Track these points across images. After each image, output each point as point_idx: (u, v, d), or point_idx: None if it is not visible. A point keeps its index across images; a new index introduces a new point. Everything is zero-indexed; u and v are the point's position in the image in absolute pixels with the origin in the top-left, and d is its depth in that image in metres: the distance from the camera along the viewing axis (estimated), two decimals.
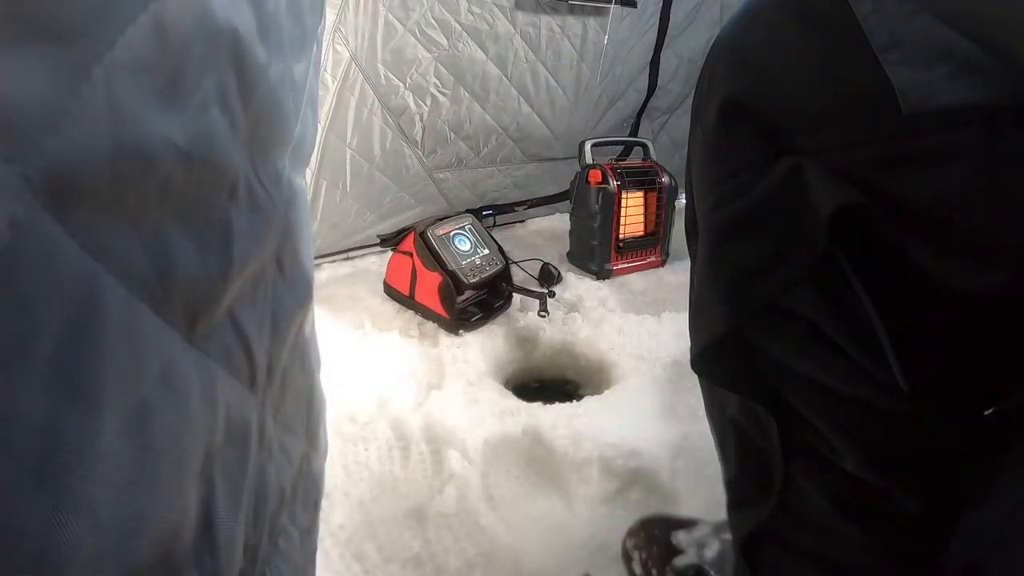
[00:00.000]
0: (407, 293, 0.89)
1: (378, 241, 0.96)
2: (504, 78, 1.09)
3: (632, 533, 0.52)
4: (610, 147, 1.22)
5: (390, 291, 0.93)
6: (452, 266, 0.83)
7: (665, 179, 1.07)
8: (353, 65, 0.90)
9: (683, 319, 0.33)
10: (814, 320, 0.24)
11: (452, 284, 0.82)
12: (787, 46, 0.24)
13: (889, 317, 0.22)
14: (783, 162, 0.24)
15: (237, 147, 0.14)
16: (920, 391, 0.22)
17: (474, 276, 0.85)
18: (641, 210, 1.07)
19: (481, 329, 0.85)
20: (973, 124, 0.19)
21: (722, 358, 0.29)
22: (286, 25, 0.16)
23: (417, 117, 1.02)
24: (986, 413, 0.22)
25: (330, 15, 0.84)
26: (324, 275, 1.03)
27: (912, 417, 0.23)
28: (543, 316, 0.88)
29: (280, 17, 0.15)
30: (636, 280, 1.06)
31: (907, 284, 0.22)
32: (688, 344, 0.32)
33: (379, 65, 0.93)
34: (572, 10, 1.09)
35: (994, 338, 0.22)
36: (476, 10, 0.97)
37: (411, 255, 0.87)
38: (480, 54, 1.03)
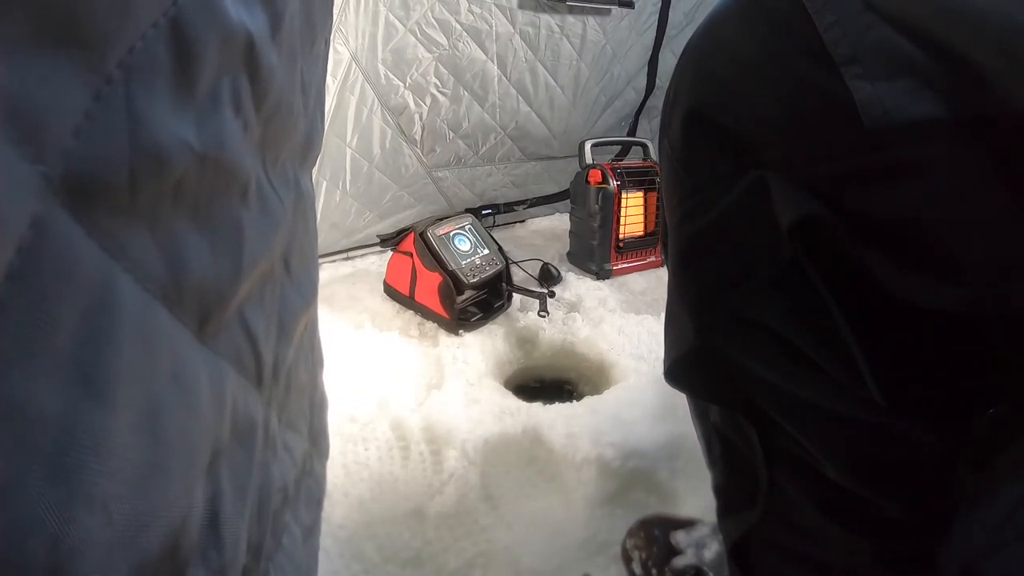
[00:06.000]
0: (407, 293, 0.89)
1: (378, 241, 0.96)
2: (503, 77, 1.09)
3: (632, 533, 0.52)
4: (610, 147, 1.22)
5: (390, 291, 0.93)
6: (452, 266, 0.83)
7: None
8: (353, 65, 0.90)
9: None
10: (784, 333, 0.24)
11: (452, 284, 0.82)
12: (749, 59, 0.24)
13: (861, 330, 0.22)
14: (748, 176, 0.23)
15: (249, 149, 0.14)
16: (896, 403, 0.22)
17: (474, 276, 0.85)
18: (641, 210, 1.07)
19: (481, 329, 0.85)
20: (935, 139, 0.19)
21: (695, 369, 0.29)
22: (297, 26, 0.16)
23: (416, 116, 1.03)
24: (980, 419, 0.22)
25: None
26: (324, 275, 1.03)
27: (889, 429, 0.23)
28: (543, 316, 0.88)
29: (292, 18, 0.15)
30: (636, 280, 1.07)
31: (877, 297, 0.21)
32: None
33: (379, 65, 0.93)
34: (572, 10, 1.09)
35: (969, 350, 0.22)
36: (476, 10, 0.98)
37: (411, 255, 0.87)
38: (480, 54, 1.03)
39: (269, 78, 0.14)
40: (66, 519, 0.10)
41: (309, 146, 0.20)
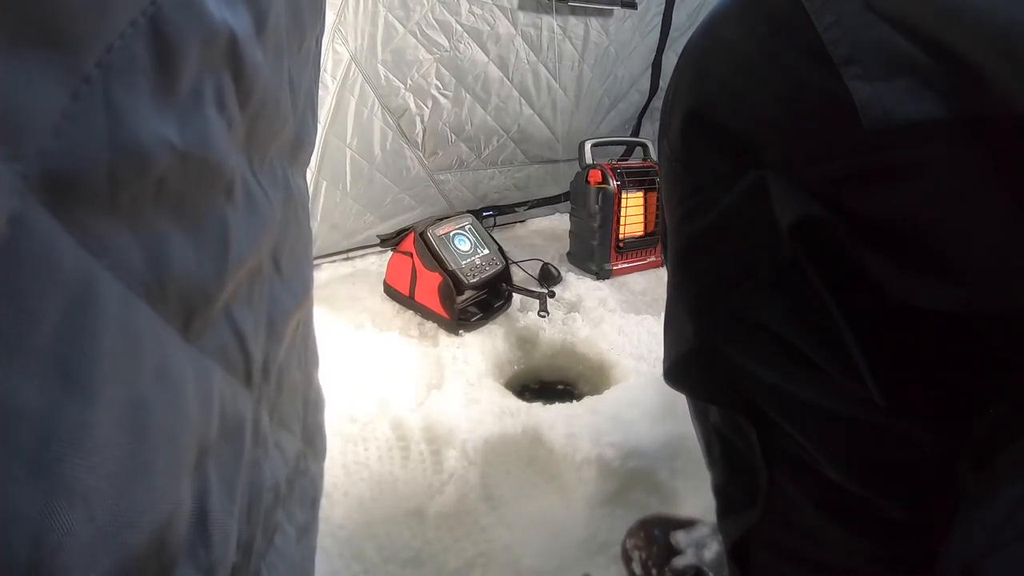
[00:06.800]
0: (407, 293, 0.89)
1: (378, 241, 0.97)
2: (505, 79, 1.09)
3: (632, 533, 0.52)
4: (611, 147, 1.22)
5: (390, 291, 0.93)
6: (452, 266, 0.84)
7: None
8: (353, 66, 0.90)
9: None
10: (784, 333, 0.24)
11: (452, 284, 0.82)
12: (749, 59, 0.23)
13: (860, 330, 0.22)
14: (747, 176, 0.23)
15: (234, 147, 0.14)
16: (896, 403, 0.22)
17: (474, 276, 0.85)
18: (641, 210, 1.07)
19: (481, 329, 0.85)
20: (935, 139, 0.19)
21: (695, 370, 0.29)
22: (284, 25, 0.16)
23: (418, 118, 1.03)
24: (980, 419, 0.22)
25: (330, 15, 0.85)
26: (324, 275, 1.03)
27: (889, 429, 0.23)
28: (543, 316, 0.88)
29: (278, 17, 0.15)
30: (636, 280, 1.07)
31: (877, 297, 0.21)
32: None
33: (379, 66, 0.93)
34: (574, 11, 1.09)
35: (969, 350, 0.22)
36: (477, 11, 0.98)
37: (411, 255, 0.87)
38: (481, 55, 1.03)
39: (254, 76, 0.14)
40: (48, 514, 0.10)
41: (299, 145, 0.20)
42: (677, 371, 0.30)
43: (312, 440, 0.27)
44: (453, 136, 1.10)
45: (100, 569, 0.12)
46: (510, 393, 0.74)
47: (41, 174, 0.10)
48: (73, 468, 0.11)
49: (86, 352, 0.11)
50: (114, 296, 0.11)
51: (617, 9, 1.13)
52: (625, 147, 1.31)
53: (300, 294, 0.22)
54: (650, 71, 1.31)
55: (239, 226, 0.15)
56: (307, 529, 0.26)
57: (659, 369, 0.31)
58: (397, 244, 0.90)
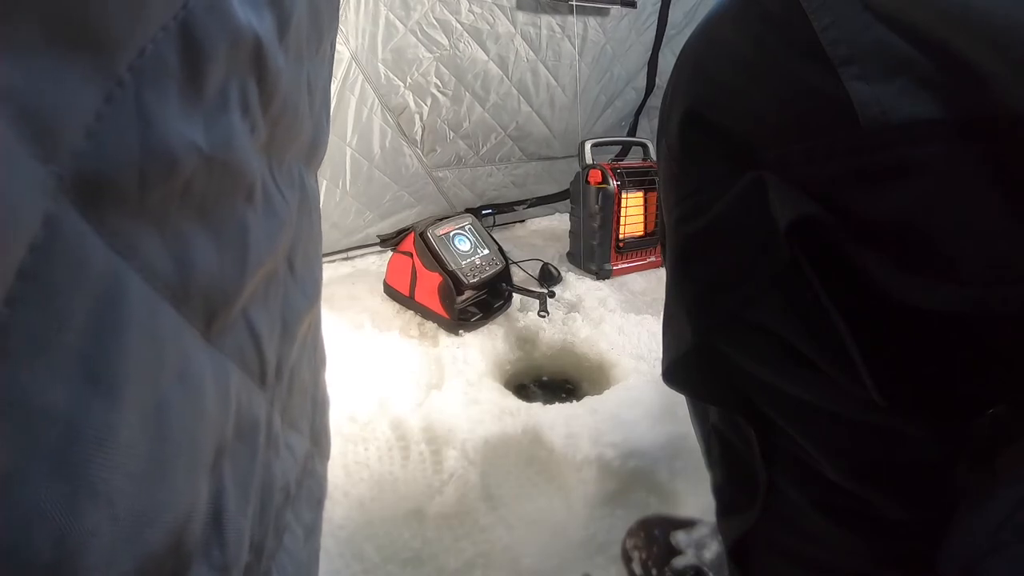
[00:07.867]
0: (407, 293, 0.89)
1: (378, 241, 0.96)
2: (505, 78, 1.09)
3: (632, 533, 0.52)
4: (610, 147, 1.23)
5: (390, 291, 0.93)
6: (452, 266, 0.84)
7: None
8: (353, 64, 0.90)
9: None
10: (783, 334, 0.24)
11: (452, 284, 0.82)
12: (746, 59, 0.23)
13: (860, 330, 0.22)
14: (745, 176, 0.23)
15: (256, 150, 0.14)
16: (896, 404, 0.22)
17: (474, 276, 0.85)
18: (641, 210, 1.07)
19: (481, 329, 0.85)
20: (933, 139, 0.19)
21: (694, 370, 0.29)
22: (304, 28, 0.16)
23: (417, 116, 1.03)
24: (980, 419, 0.22)
25: None
26: (324, 275, 1.03)
27: (888, 429, 0.23)
28: (543, 316, 0.88)
29: (299, 21, 0.16)
30: (636, 280, 1.07)
31: (875, 298, 0.21)
32: None
33: (379, 64, 0.93)
34: (572, 10, 1.09)
35: (969, 350, 0.22)
36: (477, 10, 0.98)
37: (411, 255, 0.87)
38: (481, 54, 1.03)
39: (276, 80, 0.14)
40: (72, 513, 0.10)
41: (315, 147, 0.20)
42: (676, 371, 0.30)
43: (319, 441, 0.27)
44: (451, 133, 1.10)
45: (121, 568, 0.12)
46: (510, 393, 0.75)
47: (73, 175, 0.10)
48: (98, 468, 0.11)
49: (112, 353, 0.11)
50: (140, 297, 0.11)
51: (615, 8, 1.13)
52: (622, 146, 1.32)
53: (311, 295, 0.22)
54: (646, 69, 1.32)
55: (258, 228, 0.15)
56: (313, 529, 0.26)
57: (659, 369, 0.31)
58: (397, 244, 0.90)
